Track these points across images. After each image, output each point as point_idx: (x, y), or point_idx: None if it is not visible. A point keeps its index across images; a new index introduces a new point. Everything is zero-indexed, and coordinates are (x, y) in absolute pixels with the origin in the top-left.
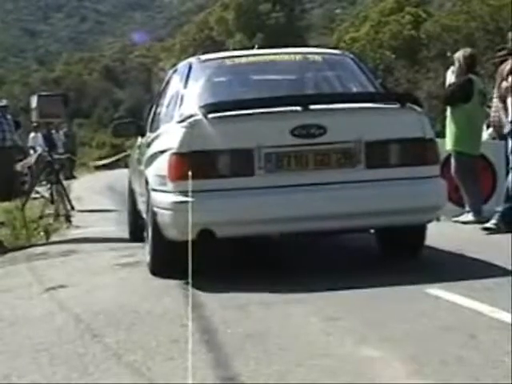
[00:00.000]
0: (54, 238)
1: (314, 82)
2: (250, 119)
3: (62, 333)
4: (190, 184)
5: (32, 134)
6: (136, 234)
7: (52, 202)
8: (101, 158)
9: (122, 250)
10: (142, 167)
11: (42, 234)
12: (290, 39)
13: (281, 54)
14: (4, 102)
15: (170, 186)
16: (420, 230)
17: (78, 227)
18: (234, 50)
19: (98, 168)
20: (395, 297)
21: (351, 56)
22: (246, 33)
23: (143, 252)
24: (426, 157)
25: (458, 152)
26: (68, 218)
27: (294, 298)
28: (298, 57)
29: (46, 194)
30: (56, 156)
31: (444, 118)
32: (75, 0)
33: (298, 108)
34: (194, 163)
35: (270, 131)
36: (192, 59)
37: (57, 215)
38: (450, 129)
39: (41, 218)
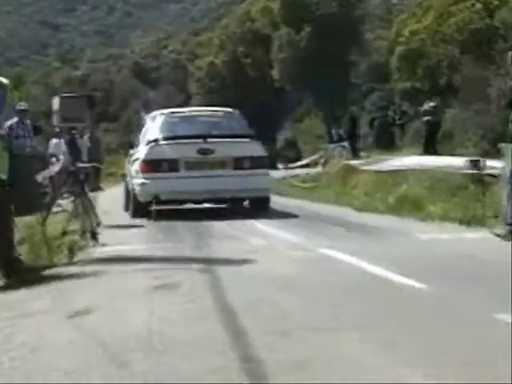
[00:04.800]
0: (79, 257)
1: (218, 125)
2: (178, 144)
3: (87, 359)
4: (149, 174)
5: (54, 141)
6: (128, 206)
7: (76, 216)
8: None
9: (154, 271)
10: (130, 166)
11: (65, 252)
12: (342, 31)
13: (204, 110)
14: (24, 106)
15: (140, 175)
16: (265, 199)
17: (105, 245)
18: (280, 44)
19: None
20: (458, 321)
21: (237, 112)
22: (293, 25)
23: (179, 273)
24: (261, 164)
25: None
26: (94, 235)
27: (343, 323)
28: (210, 112)
29: (70, 208)
30: (80, 165)
31: None
32: None
33: (201, 140)
34: (151, 165)
35: (187, 150)
36: (157, 112)
37: (82, 231)
38: None
39: (64, 234)
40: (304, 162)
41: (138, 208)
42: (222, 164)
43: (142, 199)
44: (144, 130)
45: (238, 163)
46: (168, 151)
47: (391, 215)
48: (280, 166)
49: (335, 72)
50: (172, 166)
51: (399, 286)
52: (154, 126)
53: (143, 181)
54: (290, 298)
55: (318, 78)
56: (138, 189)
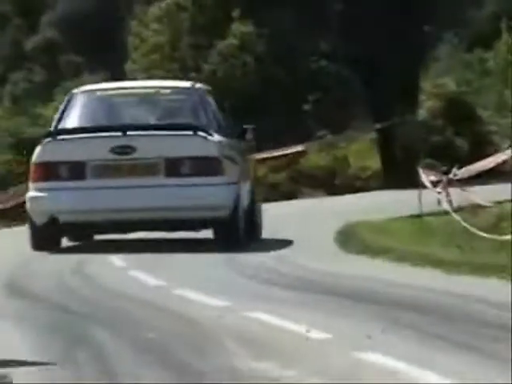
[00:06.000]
0: None
1: (155, 112)
2: (84, 140)
3: None
4: (43, 184)
5: None
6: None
7: None
8: (22, 174)
9: None
10: None
11: None
12: None
13: (145, 87)
14: None
15: (32, 185)
16: (226, 223)
17: None
18: None
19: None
20: None
21: (201, 90)
22: None
23: None
24: (212, 169)
25: None
26: None
27: None
28: (151, 91)
29: None
30: None
31: None
32: None
33: (119, 133)
34: (45, 170)
35: (97, 149)
36: (74, 90)
37: None
38: None
39: None
40: (497, 159)
41: (35, 234)
42: (148, 169)
43: (35, 220)
44: (57, 113)
45: (173, 167)
46: (69, 150)
47: None
48: (425, 176)
49: None
50: (75, 171)
51: None
52: (60, 112)
53: (34, 193)
54: None
55: None
56: (28, 205)
